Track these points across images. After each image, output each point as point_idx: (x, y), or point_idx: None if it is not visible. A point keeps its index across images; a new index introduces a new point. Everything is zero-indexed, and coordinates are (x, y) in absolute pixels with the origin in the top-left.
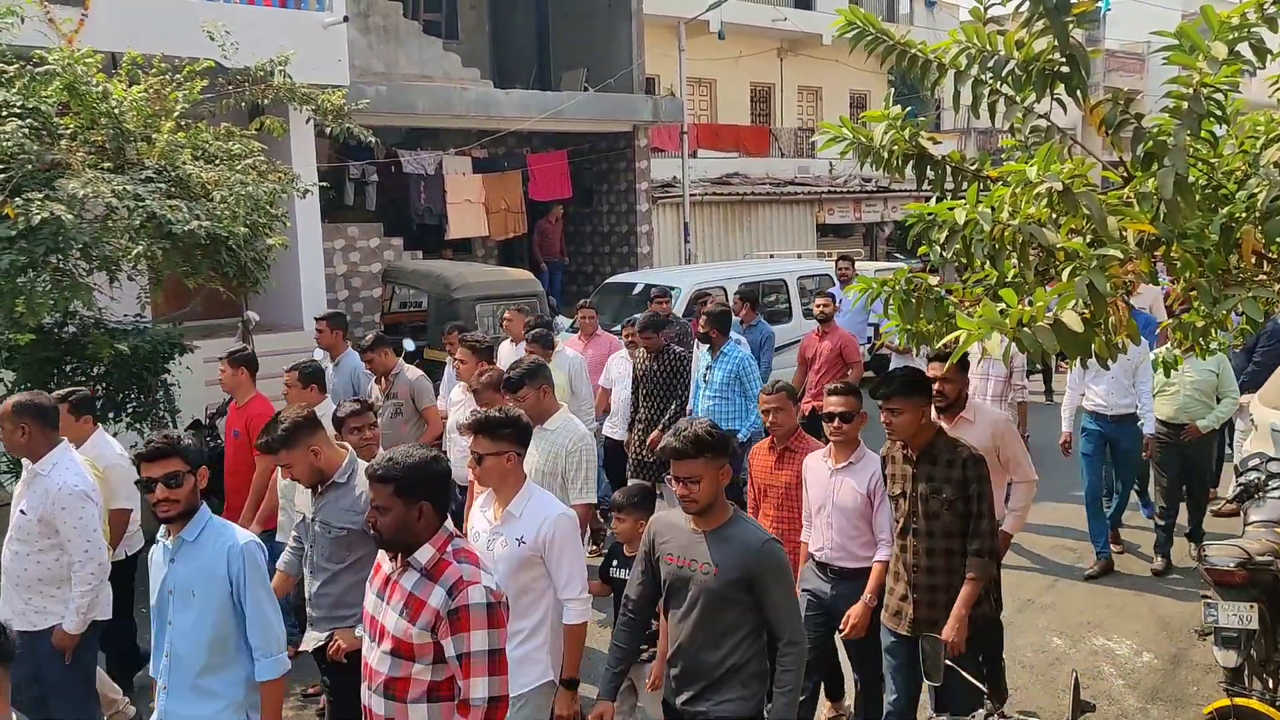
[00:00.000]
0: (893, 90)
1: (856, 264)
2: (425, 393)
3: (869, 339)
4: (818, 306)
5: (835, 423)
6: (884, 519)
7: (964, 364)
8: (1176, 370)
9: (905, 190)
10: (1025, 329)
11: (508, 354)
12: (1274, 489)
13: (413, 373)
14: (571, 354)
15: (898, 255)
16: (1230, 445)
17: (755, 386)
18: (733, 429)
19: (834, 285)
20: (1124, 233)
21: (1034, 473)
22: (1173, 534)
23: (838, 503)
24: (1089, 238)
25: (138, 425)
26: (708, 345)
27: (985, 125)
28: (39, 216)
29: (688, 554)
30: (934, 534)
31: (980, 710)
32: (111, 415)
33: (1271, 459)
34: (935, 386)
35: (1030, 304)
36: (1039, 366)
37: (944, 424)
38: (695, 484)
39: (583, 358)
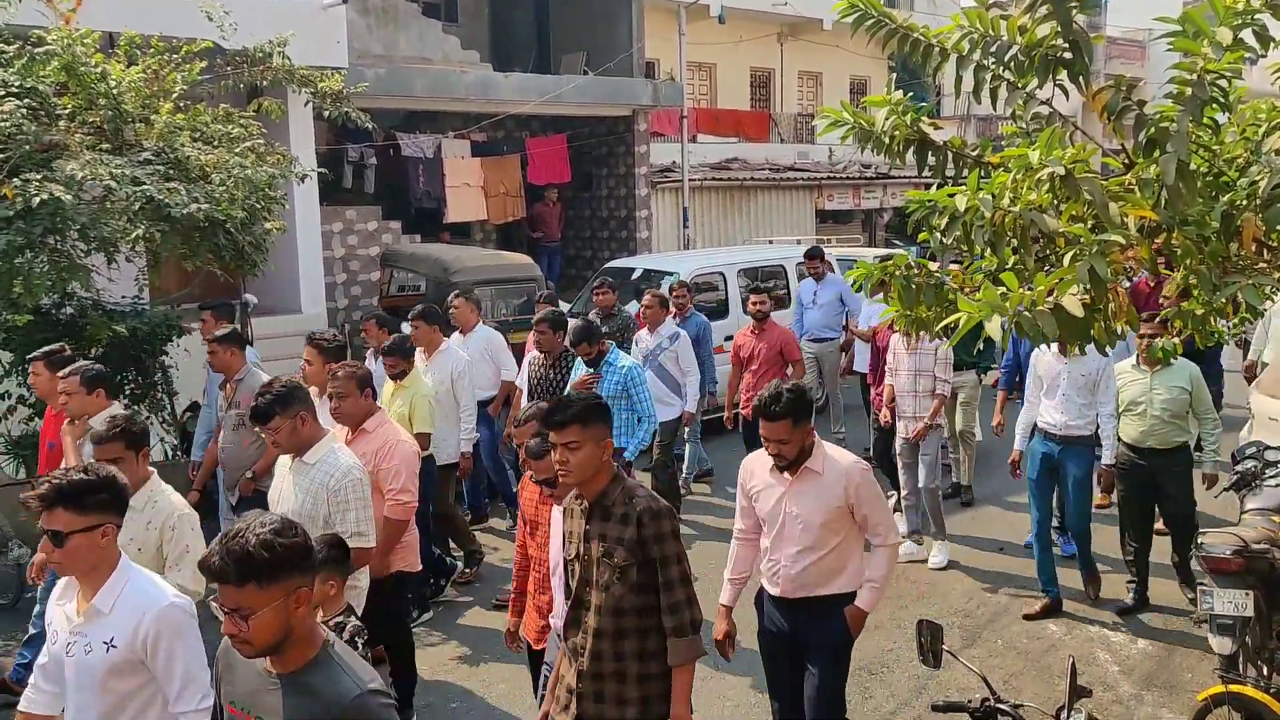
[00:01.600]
0: (894, 76)
1: (856, 250)
2: None
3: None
4: (753, 304)
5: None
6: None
7: (801, 415)
8: (1172, 363)
9: (905, 177)
10: (1026, 313)
11: (456, 344)
12: (1270, 477)
13: (259, 377)
14: (458, 355)
15: (896, 242)
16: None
17: (645, 400)
18: (618, 446)
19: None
20: (1125, 219)
21: (897, 534)
22: (1146, 571)
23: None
24: (1090, 223)
25: (135, 407)
26: (585, 359)
27: (985, 112)
28: (38, 198)
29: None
30: (602, 610)
31: (977, 696)
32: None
33: (1268, 447)
34: (771, 449)
35: (1031, 289)
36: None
37: (788, 477)
38: (573, 450)
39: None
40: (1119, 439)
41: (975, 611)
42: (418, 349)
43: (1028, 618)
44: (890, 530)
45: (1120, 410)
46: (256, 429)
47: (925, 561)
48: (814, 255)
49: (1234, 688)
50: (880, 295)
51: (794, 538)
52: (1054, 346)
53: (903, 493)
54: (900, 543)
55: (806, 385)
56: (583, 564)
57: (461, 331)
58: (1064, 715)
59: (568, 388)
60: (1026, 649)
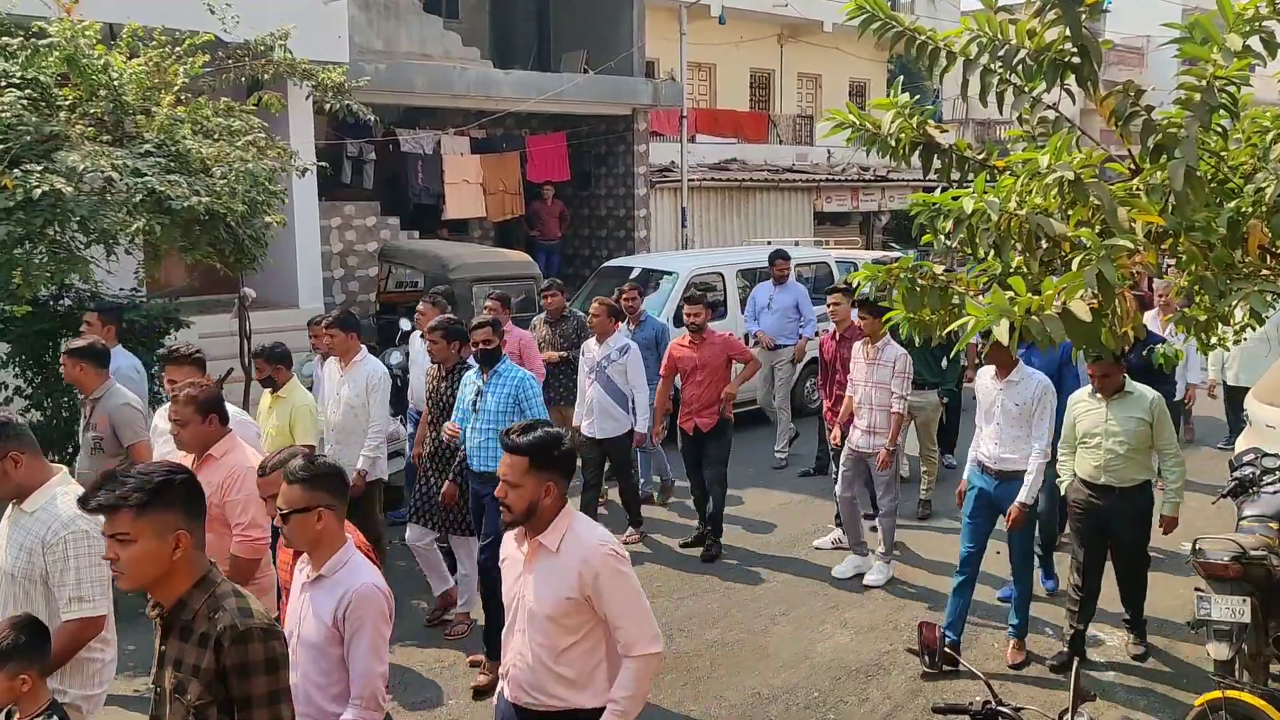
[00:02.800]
0: (900, 79)
1: (854, 254)
2: (129, 424)
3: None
4: (689, 316)
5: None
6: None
7: (546, 461)
8: (1130, 391)
9: (903, 180)
10: (1033, 317)
11: (419, 348)
12: (1268, 484)
13: (119, 396)
14: (375, 366)
15: (894, 244)
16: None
17: (539, 413)
18: None
19: (715, 291)
20: (1133, 224)
21: (654, 641)
22: (1087, 621)
23: None
24: (1098, 228)
25: None
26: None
27: (983, 116)
28: (38, 189)
29: None
30: None
31: (978, 699)
32: None
33: (1266, 454)
34: (499, 491)
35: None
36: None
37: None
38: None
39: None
40: (1075, 474)
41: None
42: (333, 358)
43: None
44: (643, 638)
45: (1076, 443)
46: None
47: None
48: (780, 256)
49: (1231, 693)
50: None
51: (523, 630)
52: (992, 368)
53: (838, 490)
54: (658, 653)
55: (727, 396)
56: (155, 699)
57: (424, 336)
58: (1067, 718)
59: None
60: (1041, 611)
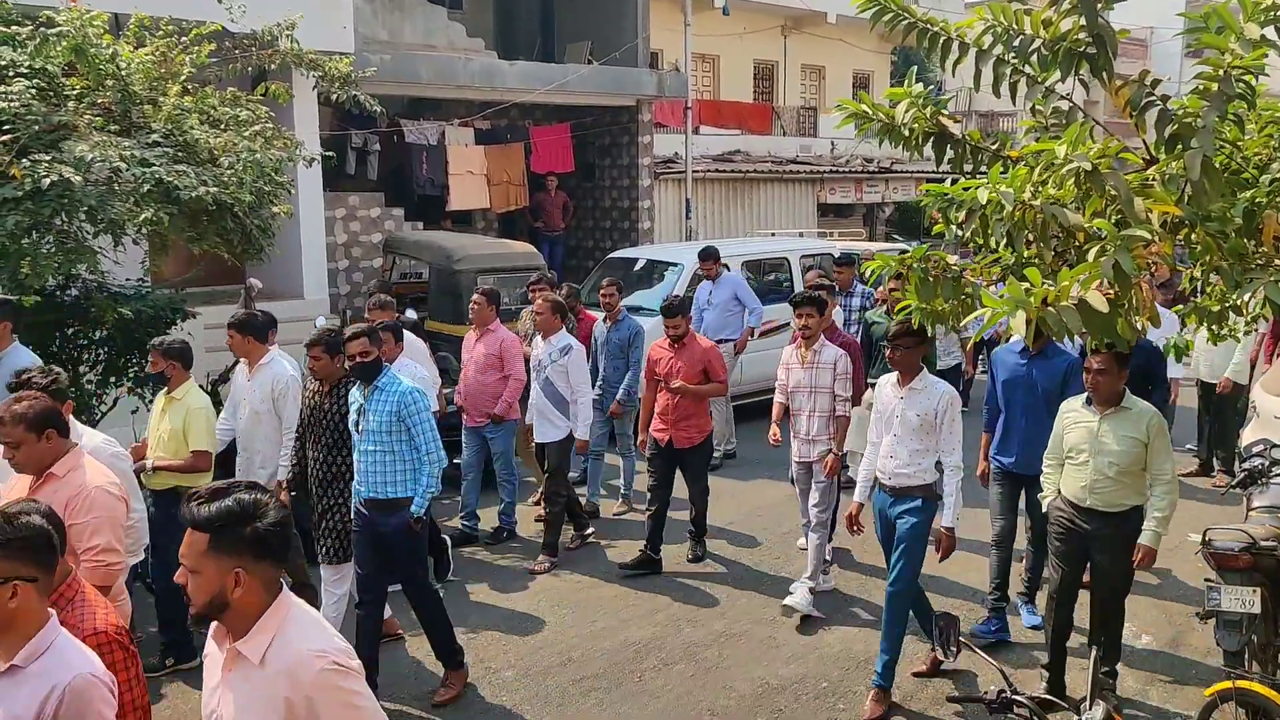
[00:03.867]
0: (912, 69)
1: (858, 245)
2: None
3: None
4: (668, 329)
5: None
6: None
7: (233, 540)
8: (1129, 407)
9: (906, 171)
10: (1049, 308)
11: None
12: (1277, 475)
13: None
14: (282, 369)
15: (897, 236)
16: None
17: (428, 434)
18: (395, 495)
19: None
20: (1149, 214)
21: None
22: (1063, 661)
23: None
24: (1114, 219)
25: (139, 390)
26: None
27: (986, 108)
28: (47, 179)
29: None
30: None
31: (993, 688)
32: (113, 380)
33: (1275, 445)
34: (180, 577)
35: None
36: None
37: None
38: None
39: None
40: (1059, 491)
41: (980, 606)
42: (241, 362)
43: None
44: None
45: (1064, 457)
46: None
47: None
48: (708, 256)
49: (1241, 684)
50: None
51: None
52: (894, 375)
53: (801, 521)
54: None
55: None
56: None
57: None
58: (1085, 706)
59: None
60: (1034, 640)
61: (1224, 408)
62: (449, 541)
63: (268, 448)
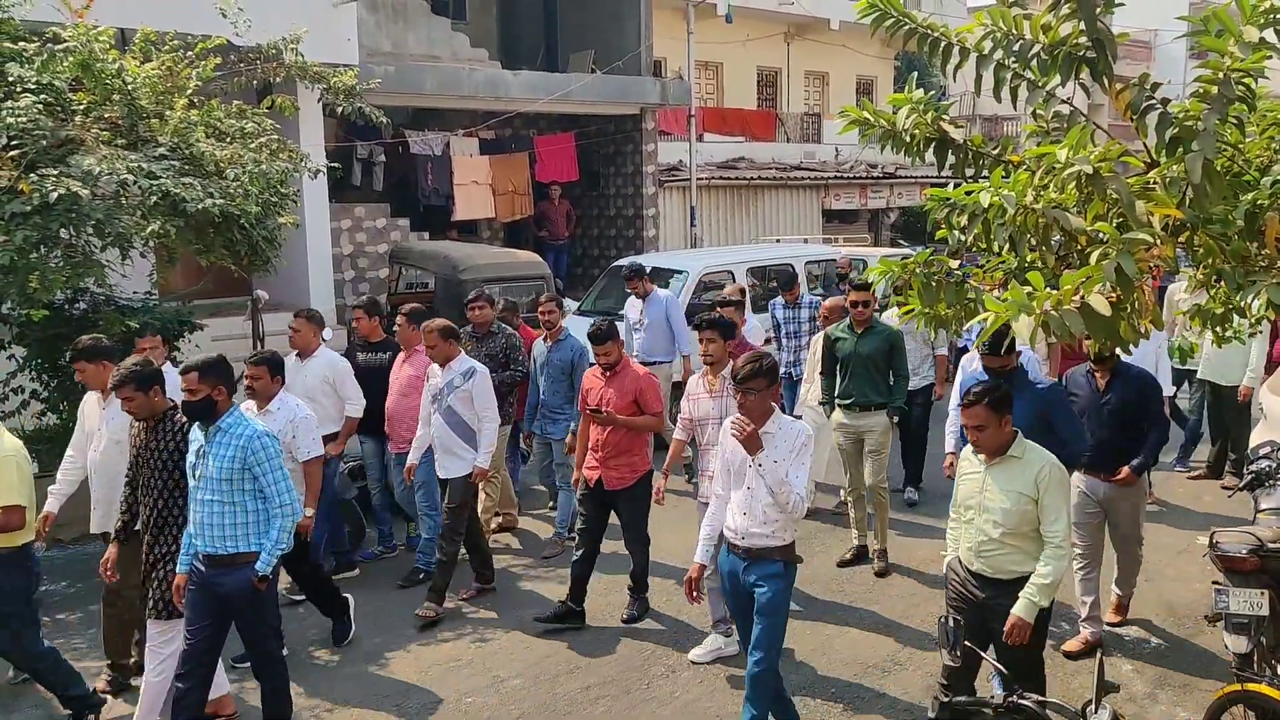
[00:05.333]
0: (914, 75)
1: (863, 251)
2: None
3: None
4: (598, 356)
5: None
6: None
7: None
8: (1018, 456)
9: (911, 177)
10: (1053, 312)
11: (292, 368)
12: None
13: None
14: (96, 409)
15: (902, 241)
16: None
17: (279, 483)
18: (237, 550)
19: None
20: (1150, 217)
21: None
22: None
23: None
24: (1116, 222)
25: None
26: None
27: (990, 112)
28: (55, 193)
29: None
30: None
31: (999, 692)
32: None
33: None
34: None
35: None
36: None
37: None
38: None
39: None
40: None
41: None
42: (91, 392)
43: None
44: None
45: (956, 516)
46: None
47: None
48: (634, 275)
49: (1250, 686)
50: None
51: None
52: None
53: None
54: None
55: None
56: None
57: (300, 355)
58: (1090, 710)
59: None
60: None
61: (1241, 411)
62: (350, 601)
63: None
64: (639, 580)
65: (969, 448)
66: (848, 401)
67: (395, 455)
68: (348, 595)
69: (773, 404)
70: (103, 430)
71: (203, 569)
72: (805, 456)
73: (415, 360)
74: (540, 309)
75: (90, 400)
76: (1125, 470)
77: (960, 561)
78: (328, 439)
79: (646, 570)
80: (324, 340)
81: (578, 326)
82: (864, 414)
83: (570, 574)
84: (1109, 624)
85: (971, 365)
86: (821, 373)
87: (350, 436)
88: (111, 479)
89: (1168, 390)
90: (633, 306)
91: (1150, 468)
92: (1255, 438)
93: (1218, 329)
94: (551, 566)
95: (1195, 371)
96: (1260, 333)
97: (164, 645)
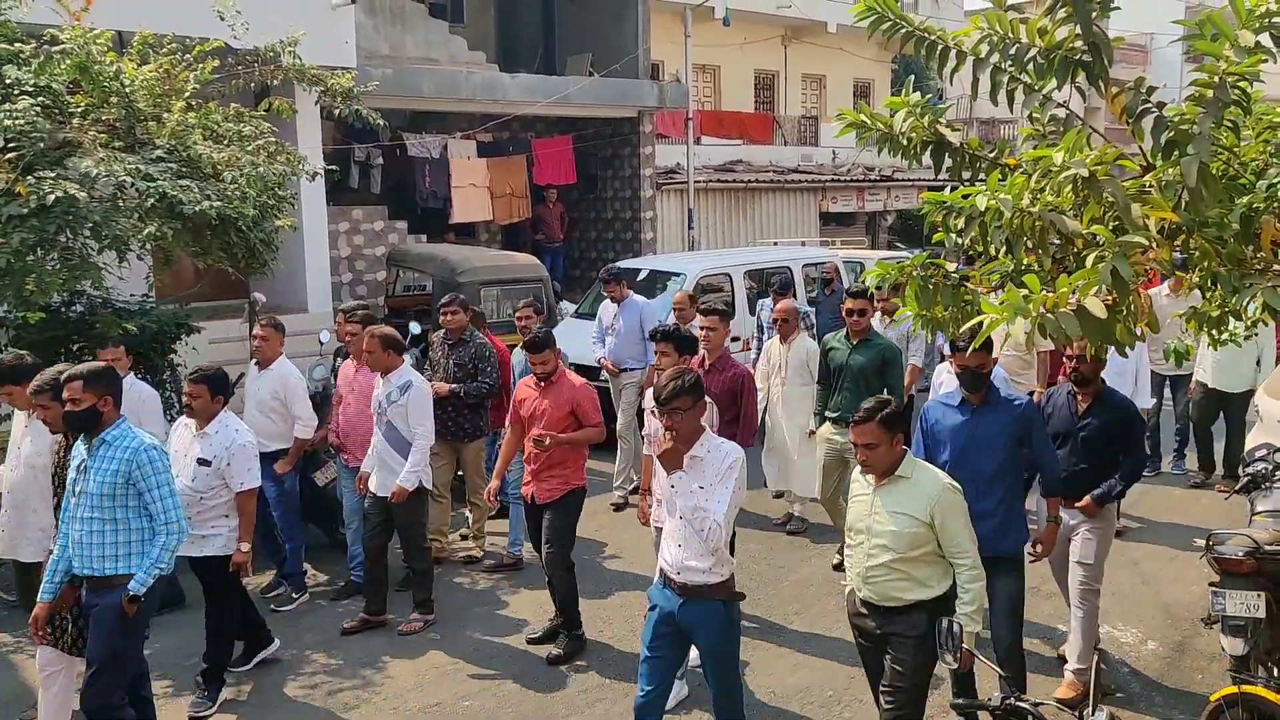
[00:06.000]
0: (911, 78)
1: (860, 253)
2: None
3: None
4: (533, 365)
5: None
6: None
7: None
8: (908, 475)
9: (908, 180)
10: (1049, 315)
11: (250, 378)
12: None
13: None
14: (20, 427)
15: (899, 244)
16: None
17: (165, 498)
18: (116, 572)
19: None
20: (1146, 220)
21: None
22: None
23: None
24: (1112, 225)
25: None
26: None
27: (987, 115)
28: (52, 195)
29: None
30: None
31: (997, 694)
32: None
33: (1278, 449)
34: None
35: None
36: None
37: None
38: None
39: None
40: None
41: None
42: (19, 412)
43: None
44: None
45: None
46: None
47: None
48: (612, 278)
49: (1246, 689)
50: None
51: None
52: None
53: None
54: None
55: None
56: None
57: (260, 365)
58: (1088, 712)
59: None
60: (1037, 649)
61: (1242, 415)
62: (268, 635)
63: (44, 505)
64: (565, 615)
65: (858, 469)
66: (835, 415)
67: (346, 467)
68: (276, 639)
69: (703, 424)
70: (21, 450)
71: (83, 594)
72: (730, 481)
73: (366, 369)
74: (518, 315)
75: (18, 419)
76: (1086, 499)
77: (854, 590)
78: (278, 455)
79: (573, 602)
80: (322, 342)
81: (576, 328)
82: (848, 427)
83: (550, 590)
84: (1057, 700)
85: (941, 388)
86: (818, 382)
87: (299, 457)
88: (20, 501)
89: (1146, 404)
90: (606, 310)
91: (1120, 498)
92: (1251, 440)
93: (1213, 332)
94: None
95: (1172, 379)
96: (1255, 335)
97: (68, 683)
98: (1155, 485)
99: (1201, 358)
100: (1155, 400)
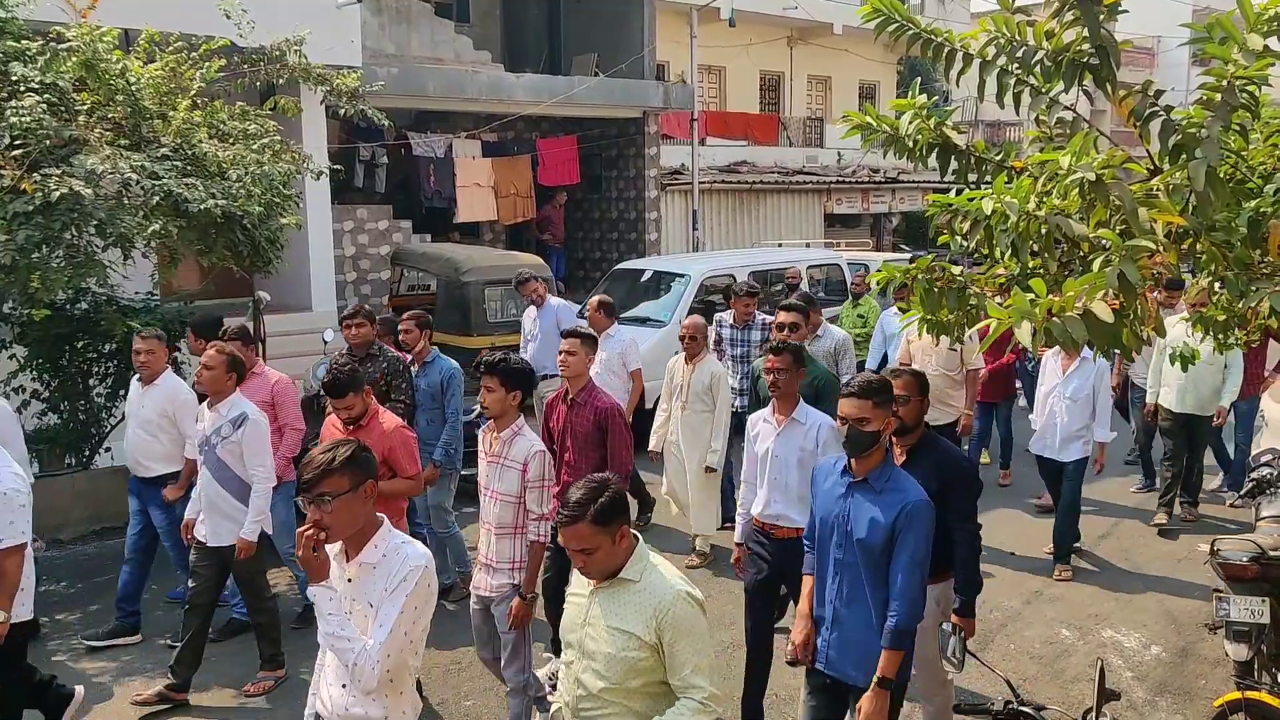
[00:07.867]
0: (916, 80)
1: (865, 255)
2: None
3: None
4: (340, 410)
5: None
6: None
7: None
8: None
9: (913, 182)
10: (1055, 319)
11: (133, 396)
12: None
13: None
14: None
15: (904, 246)
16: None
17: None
18: None
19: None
20: (1153, 224)
21: None
22: None
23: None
24: (1118, 229)
25: None
26: None
27: (993, 117)
28: (57, 192)
29: None
30: None
31: (999, 699)
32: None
33: None
34: None
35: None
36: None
37: None
38: None
39: None
40: None
41: (988, 616)
42: None
43: None
44: None
45: None
46: None
47: None
48: (521, 281)
49: (1250, 694)
50: None
51: None
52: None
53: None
54: None
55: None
56: None
57: (143, 381)
58: (1091, 718)
59: None
60: (1040, 654)
61: (1204, 438)
62: (76, 695)
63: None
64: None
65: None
66: None
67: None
68: (75, 689)
69: (380, 515)
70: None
71: None
72: (400, 597)
73: (251, 383)
74: (401, 327)
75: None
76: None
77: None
78: (168, 478)
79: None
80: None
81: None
82: None
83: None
84: None
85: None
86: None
87: (191, 479)
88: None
89: (1105, 437)
90: (527, 315)
91: (974, 595)
92: (1257, 446)
93: (1219, 336)
94: None
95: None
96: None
97: None
98: (1153, 495)
99: (1165, 376)
100: (1114, 433)
